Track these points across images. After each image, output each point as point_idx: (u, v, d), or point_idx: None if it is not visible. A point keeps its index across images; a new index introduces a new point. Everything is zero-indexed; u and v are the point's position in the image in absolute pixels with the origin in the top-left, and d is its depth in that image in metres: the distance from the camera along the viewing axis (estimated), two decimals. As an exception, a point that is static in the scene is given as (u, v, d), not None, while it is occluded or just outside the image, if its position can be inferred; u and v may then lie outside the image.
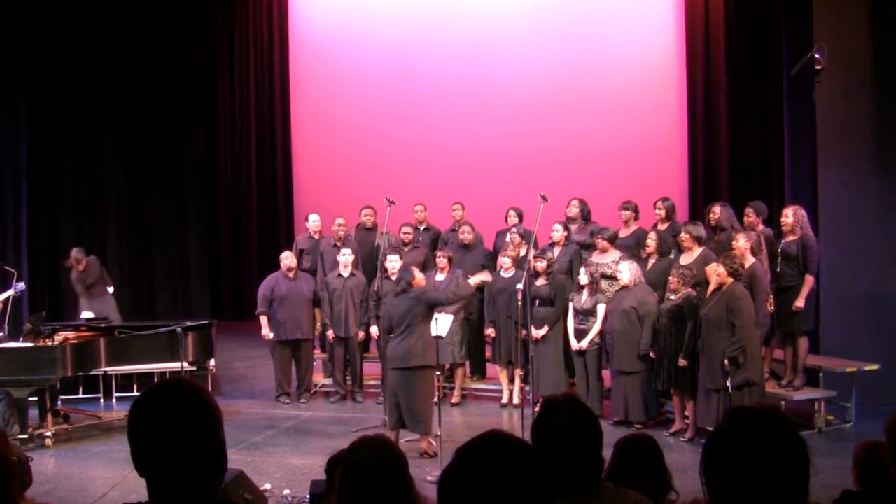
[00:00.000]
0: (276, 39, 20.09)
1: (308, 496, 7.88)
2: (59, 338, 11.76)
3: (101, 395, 13.64)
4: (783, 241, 11.40)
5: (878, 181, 12.78)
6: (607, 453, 4.20)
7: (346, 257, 13.12)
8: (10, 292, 12.82)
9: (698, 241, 11.50)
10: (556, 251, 12.75)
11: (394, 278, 12.12)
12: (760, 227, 11.82)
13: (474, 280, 11.34)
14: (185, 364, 12.24)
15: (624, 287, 11.52)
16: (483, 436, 2.53)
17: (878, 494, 4.78)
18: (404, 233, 13.75)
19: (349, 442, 4.13)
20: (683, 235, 11.58)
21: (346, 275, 13.11)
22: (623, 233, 12.76)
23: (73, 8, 17.85)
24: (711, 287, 10.61)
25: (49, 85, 17.61)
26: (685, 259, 11.46)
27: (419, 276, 10.83)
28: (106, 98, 18.66)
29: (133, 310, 17.70)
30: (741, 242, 10.93)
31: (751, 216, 11.87)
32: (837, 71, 12.23)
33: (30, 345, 11.43)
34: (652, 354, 11.24)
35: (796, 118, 13.73)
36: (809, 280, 11.28)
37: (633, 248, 12.53)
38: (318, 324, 13.60)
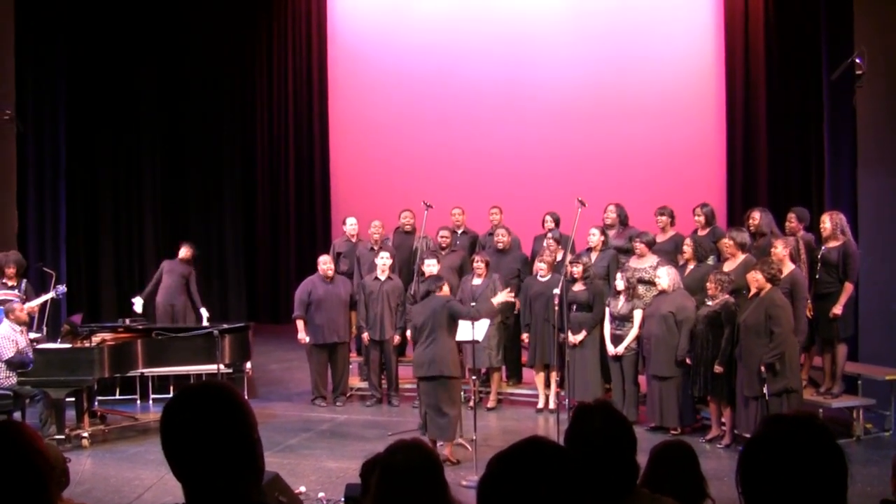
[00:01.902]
0: (315, 44, 20.14)
1: (343, 499, 7.89)
2: (96, 339, 11.84)
3: (137, 396, 13.70)
4: (823, 248, 11.30)
5: (920, 187, 12.67)
6: (643, 459, 4.18)
7: (383, 260, 13.12)
8: (50, 294, 12.91)
9: (742, 247, 11.43)
10: (593, 256, 12.72)
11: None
12: (802, 232, 11.74)
13: (497, 300, 11.24)
14: (222, 366, 12.28)
15: (662, 292, 11.46)
16: (523, 442, 2.52)
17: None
18: (442, 236, 13.74)
19: (385, 445, 4.12)
20: (727, 242, 11.52)
21: (382, 278, 13.12)
22: (660, 238, 12.70)
23: (115, 13, 17.95)
24: (751, 293, 10.55)
25: (88, 89, 17.73)
26: (728, 266, 11.40)
27: (445, 290, 10.83)
28: (144, 103, 18.79)
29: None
30: (779, 249, 10.87)
31: (793, 221, 11.79)
32: (878, 76, 12.13)
33: (68, 346, 11.51)
34: (688, 361, 11.18)
35: (836, 123, 13.65)
36: (849, 288, 11.19)
37: (671, 254, 12.47)
38: (355, 327, 13.62)
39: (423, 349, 10.46)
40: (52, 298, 13.15)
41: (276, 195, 20.63)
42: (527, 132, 18.11)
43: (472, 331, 10.34)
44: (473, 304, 11.15)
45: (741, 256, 11.40)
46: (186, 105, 19.53)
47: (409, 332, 12.81)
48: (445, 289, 10.84)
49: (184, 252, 14.72)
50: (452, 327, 10.43)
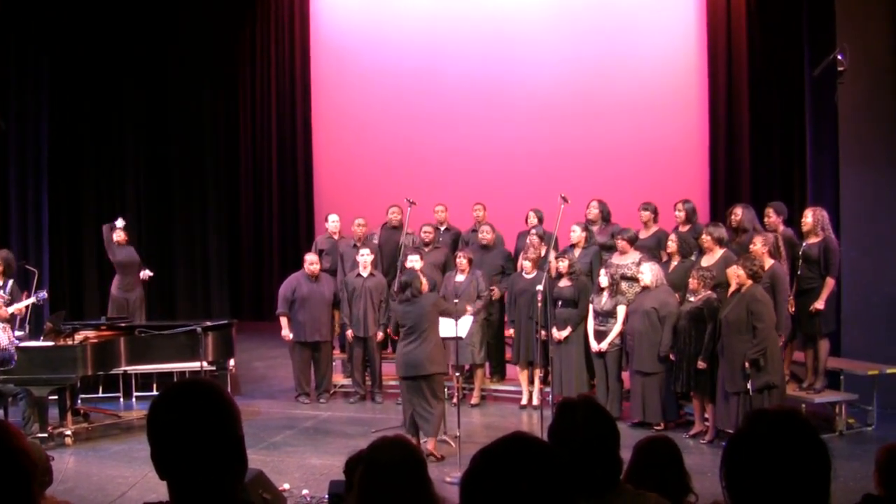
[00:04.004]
0: (298, 40, 20.10)
1: (327, 496, 7.88)
2: (79, 337, 11.79)
3: (120, 394, 13.71)
4: (804, 243, 11.34)
5: (901, 183, 12.72)
6: (626, 455, 4.19)
7: (364, 257, 13.11)
8: (31, 300, 12.84)
9: (720, 242, 11.45)
10: (576, 252, 12.72)
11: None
12: (781, 227, 11.76)
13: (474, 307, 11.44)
14: (205, 364, 12.26)
15: (645, 288, 11.48)
16: (507, 437, 2.52)
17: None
18: (425, 233, 13.73)
19: (368, 442, 4.13)
20: (705, 237, 11.54)
21: (365, 275, 13.11)
22: (643, 234, 12.73)
23: (98, 10, 17.88)
24: (731, 289, 10.58)
25: (71, 86, 17.65)
26: (706, 260, 11.42)
27: (424, 283, 10.86)
28: (127, 100, 18.70)
29: (153, 309, 17.75)
30: (758, 245, 10.88)
31: (771, 216, 11.81)
32: (860, 72, 12.17)
33: (50, 344, 11.46)
34: (672, 356, 11.20)
35: (818, 119, 13.68)
36: (830, 282, 11.22)
37: (653, 250, 12.49)
38: (338, 325, 13.61)
39: (408, 349, 10.43)
40: (34, 304, 13.08)
41: (259, 192, 20.58)
42: (510, 129, 18.09)
43: (455, 327, 10.37)
44: (456, 300, 11.16)
45: (719, 251, 11.42)
46: (169, 103, 19.46)
47: (390, 329, 12.88)
48: (424, 281, 10.90)
49: (119, 227, 14.62)
50: (438, 322, 10.47)
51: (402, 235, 14.03)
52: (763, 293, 10.33)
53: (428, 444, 10.46)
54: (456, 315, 10.68)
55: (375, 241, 14.10)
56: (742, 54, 17.10)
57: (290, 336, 13.30)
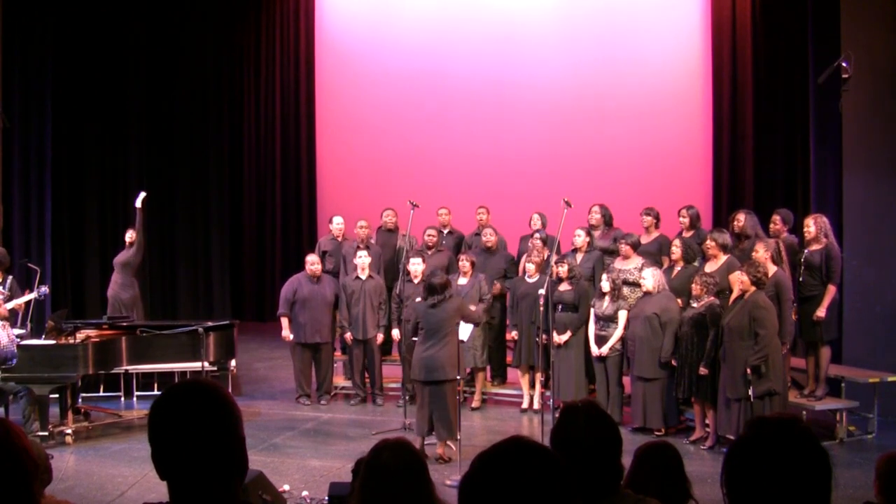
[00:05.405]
0: (302, 42, 20.11)
1: (327, 498, 7.87)
2: (80, 336, 11.77)
3: (121, 393, 13.69)
4: (806, 251, 11.31)
5: (904, 191, 12.70)
6: (627, 460, 4.18)
7: (362, 260, 13.08)
8: (32, 295, 12.82)
9: (723, 248, 11.45)
10: (579, 257, 12.72)
11: (416, 282, 12.09)
12: (785, 234, 11.75)
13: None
14: (206, 364, 12.24)
15: (647, 293, 11.48)
16: (506, 441, 2.51)
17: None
18: (428, 236, 13.69)
19: (369, 444, 4.12)
20: (709, 243, 11.54)
21: (363, 277, 13.10)
22: (644, 239, 12.71)
23: (103, 7, 17.89)
24: (734, 295, 10.57)
25: (75, 84, 17.66)
26: (710, 266, 11.42)
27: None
28: (131, 99, 18.71)
29: (155, 309, 17.75)
30: (760, 252, 10.86)
31: (777, 223, 11.79)
32: (864, 79, 12.16)
33: (52, 342, 11.45)
34: (673, 362, 11.19)
35: (822, 126, 13.68)
36: (832, 290, 11.19)
37: (654, 255, 12.50)
38: (338, 326, 13.58)
39: (428, 353, 10.32)
40: (34, 299, 13.07)
41: (262, 193, 20.58)
42: (514, 132, 18.10)
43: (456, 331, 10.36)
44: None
45: (723, 258, 11.42)
46: (174, 102, 19.48)
47: (395, 332, 12.87)
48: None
49: (129, 237, 14.61)
50: (458, 326, 10.46)
51: (399, 238, 14.02)
52: (766, 300, 10.31)
53: (437, 448, 10.45)
54: (478, 320, 10.76)
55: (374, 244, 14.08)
56: (746, 60, 17.08)
57: (291, 337, 13.28)
